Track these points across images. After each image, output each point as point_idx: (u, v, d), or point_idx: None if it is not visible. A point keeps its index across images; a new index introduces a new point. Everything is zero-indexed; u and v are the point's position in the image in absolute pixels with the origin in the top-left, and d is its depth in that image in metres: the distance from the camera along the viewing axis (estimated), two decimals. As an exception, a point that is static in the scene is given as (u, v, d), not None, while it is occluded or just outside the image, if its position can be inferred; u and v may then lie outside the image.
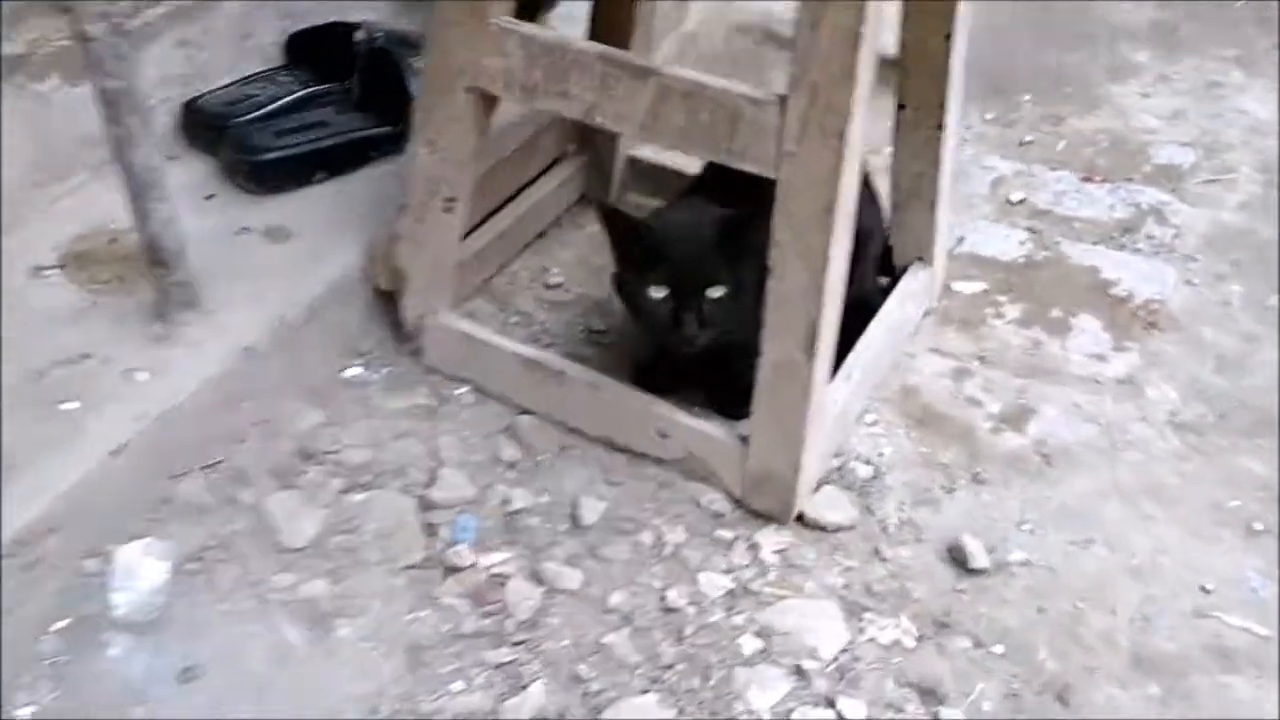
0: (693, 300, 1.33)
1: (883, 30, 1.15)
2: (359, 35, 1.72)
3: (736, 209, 1.34)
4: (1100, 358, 1.68)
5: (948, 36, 1.40)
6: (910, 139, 1.53)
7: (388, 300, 1.59)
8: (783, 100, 1.16)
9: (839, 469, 1.49)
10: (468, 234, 1.64)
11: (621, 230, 1.37)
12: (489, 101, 1.36)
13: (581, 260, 1.79)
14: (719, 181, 1.49)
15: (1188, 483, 1.51)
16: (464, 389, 1.56)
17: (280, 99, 1.71)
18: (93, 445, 1.30)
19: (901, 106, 1.51)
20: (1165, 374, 1.66)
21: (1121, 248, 1.88)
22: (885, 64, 1.49)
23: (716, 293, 1.34)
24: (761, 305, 1.30)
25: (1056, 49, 2.39)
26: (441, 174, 1.41)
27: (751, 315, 1.33)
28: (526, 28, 1.27)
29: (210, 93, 1.73)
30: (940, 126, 1.50)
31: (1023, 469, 1.51)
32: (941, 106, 1.48)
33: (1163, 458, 1.54)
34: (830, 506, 1.44)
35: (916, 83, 1.47)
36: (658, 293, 1.34)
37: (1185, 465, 1.53)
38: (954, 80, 1.46)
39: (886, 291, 1.65)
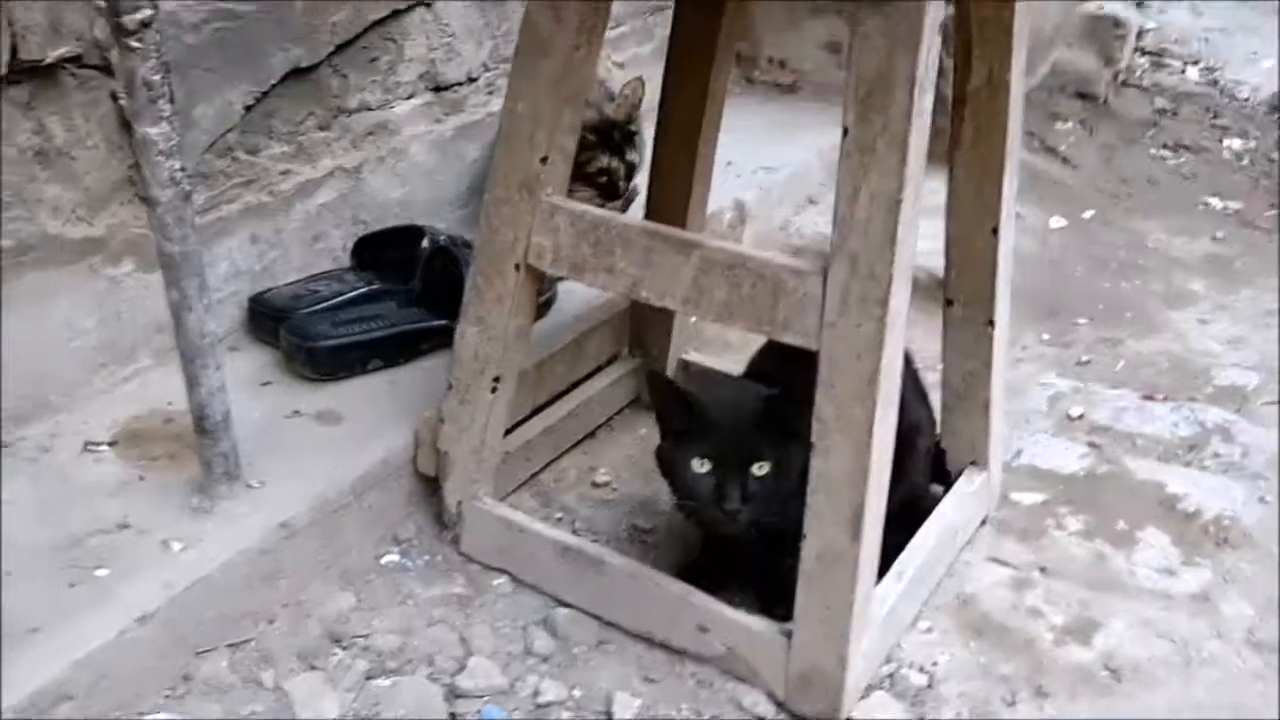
0: (736, 475, 1.31)
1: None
2: (424, 239, 1.78)
3: (784, 392, 1.33)
4: (1170, 572, 1.59)
5: (994, 230, 1.41)
6: (959, 337, 1.52)
7: (431, 488, 1.58)
8: (824, 272, 1.16)
9: (890, 676, 1.41)
10: (515, 427, 1.65)
11: (668, 401, 1.37)
12: (537, 280, 1.38)
13: (631, 461, 1.77)
14: (768, 372, 1.49)
15: (1270, 704, 1.39)
16: (501, 579, 1.52)
17: (343, 294, 1.75)
18: (118, 612, 1.27)
19: (949, 303, 1.51)
20: (1240, 591, 1.56)
21: (1187, 465, 1.82)
22: (936, 282, 1.52)
23: (760, 470, 1.31)
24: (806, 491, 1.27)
25: (1111, 278, 2.40)
26: (489, 353, 1.42)
27: (797, 503, 1.29)
28: (575, 205, 1.31)
29: (276, 288, 1.79)
30: (990, 323, 1.49)
31: (1090, 684, 1.41)
32: (991, 301, 1.47)
33: (1242, 677, 1.43)
34: (881, 712, 1.34)
35: (964, 278, 1.47)
36: (700, 466, 1.32)
37: (1266, 686, 1.42)
38: (1002, 275, 1.46)
39: (940, 498, 1.60)
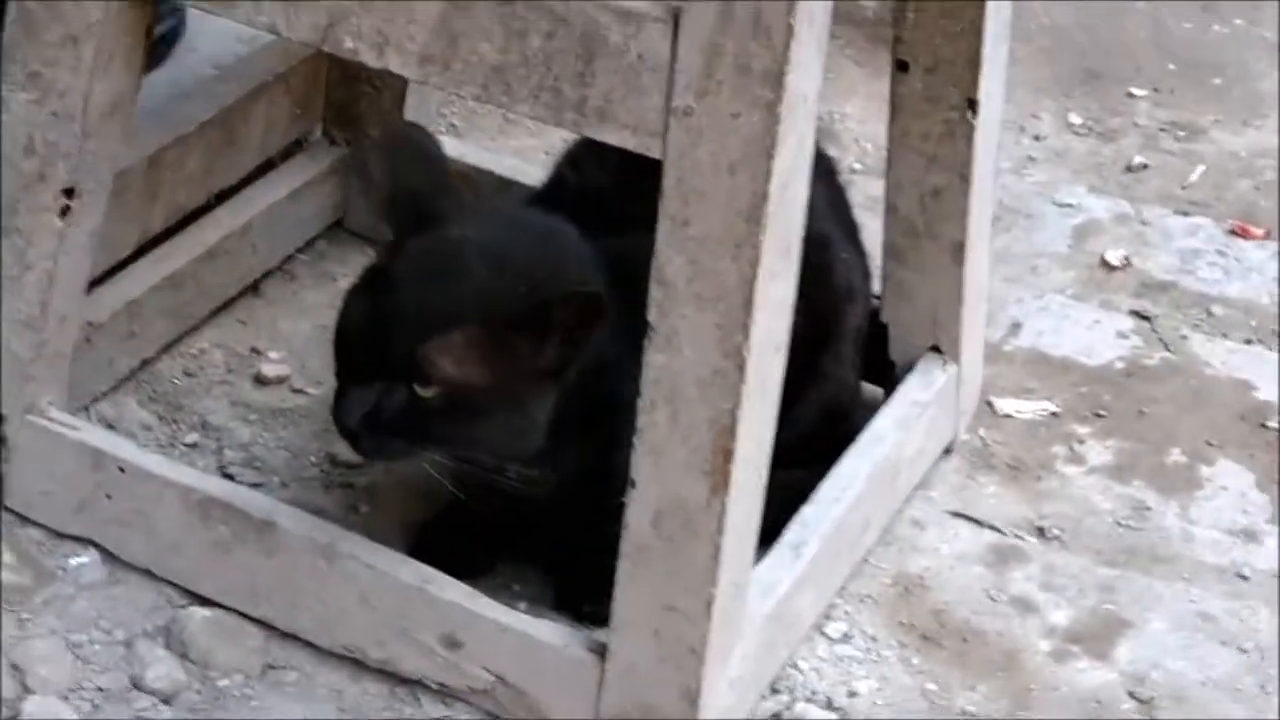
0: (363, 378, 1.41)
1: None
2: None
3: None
4: (1248, 536, 1.74)
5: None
6: (918, 127, 1.58)
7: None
8: (675, 18, 1.19)
9: (776, 716, 1.50)
10: (109, 275, 1.68)
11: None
12: (142, 12, 1.40)
13: (324, 333, 1.80)
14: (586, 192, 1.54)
15: None
16: (85, 556, 1.56)
17: None
18: None
19: (902, 66, 1.56)
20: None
21: (1295, 352, 1.95)
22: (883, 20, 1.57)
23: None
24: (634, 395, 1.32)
25: (1194, 14, 2.49)
26: (55, 141, 1.43)
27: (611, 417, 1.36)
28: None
29: None
30: (972, 105, 1.55)
31: (1110, 727, 1.54)
32: (976, 65, 1.53)
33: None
34: (757, 785, 1.45)
35: (930, 27, 1.53)
36: None
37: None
38: (998, 21, 1.51)
39: (875, 409, 1.69)
